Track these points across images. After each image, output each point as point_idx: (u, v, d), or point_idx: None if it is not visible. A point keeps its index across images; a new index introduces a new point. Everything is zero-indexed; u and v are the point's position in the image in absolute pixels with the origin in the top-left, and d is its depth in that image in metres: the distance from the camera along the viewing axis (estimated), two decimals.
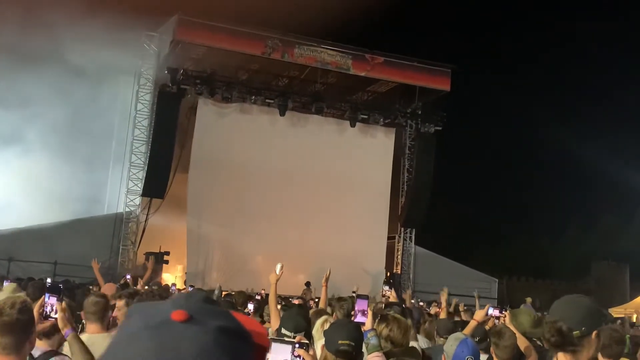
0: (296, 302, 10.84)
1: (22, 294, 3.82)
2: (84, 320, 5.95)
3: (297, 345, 2.35)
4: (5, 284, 7.97)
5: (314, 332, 5.02)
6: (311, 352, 2.39)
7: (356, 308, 3.77)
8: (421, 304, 17.00)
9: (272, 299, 5.86)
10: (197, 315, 0.92)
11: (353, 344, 3.27)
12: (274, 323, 5.10)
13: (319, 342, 4.48)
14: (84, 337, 3.81)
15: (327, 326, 4.97)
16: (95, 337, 3.90)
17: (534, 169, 35.53)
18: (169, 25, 20.67)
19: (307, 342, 2.43)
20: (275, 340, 2.33)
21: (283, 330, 3.97)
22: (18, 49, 20.34)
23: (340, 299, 5.70)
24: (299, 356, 2.34)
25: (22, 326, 2.78)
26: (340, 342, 3.23)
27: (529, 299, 20.81)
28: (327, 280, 6.89)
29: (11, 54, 20.29)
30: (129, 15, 20.72)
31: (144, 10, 20.76)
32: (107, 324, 4.39)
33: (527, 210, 35.98)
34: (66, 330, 3.35)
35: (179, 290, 10.83)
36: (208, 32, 20.43)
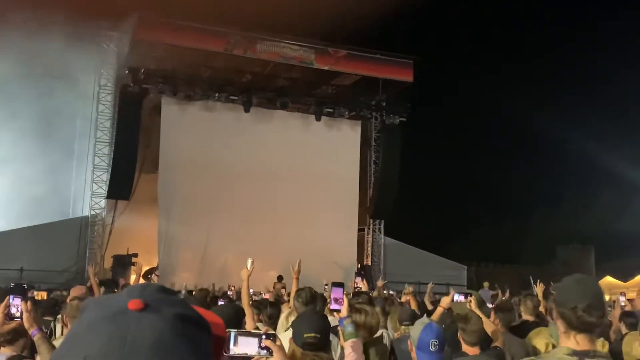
0: (266, 296, 10.87)
1: None
2: (53, 325, 5.90)
3: (264, 337, 2.36)
4: None
5: (279, 324, 5.05)
6: (278, 343, 2.41)
7: (331, 296, 3.78)
8: (392, 292, 17.17)
9: (244, 296, 5.85)
10: (153, 303, 0.93)
11: (319, 335, 3.29)
12: (248, 321, 5.08)
13: (285, 334, 4.50)
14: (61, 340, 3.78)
15: (291, 318, 5.01)
16: None
17: (498, 155, 35.99)
18: (129, 24, 20.39)
19: (274, 332, 2.43)
20: (241, 333, 2.33)
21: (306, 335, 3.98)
22: None
23: (298, 290, 5.68)
24: (266, 347, 2.35)
25: None
26: (306, 335, 3.26)
27: (486, 284, 21.16)
28: (298, 272, 6.81)
29: None
30: (87, 15, 20.43)
31: (102, 9, 20.51)
32: None
33: (493, 196, 36.46)
34: (32, 331, 3.32)
35: None
36: (168, 30, 20.22)
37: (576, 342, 2.39)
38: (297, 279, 6.69)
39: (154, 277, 19.81)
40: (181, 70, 21.38)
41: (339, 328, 3.55)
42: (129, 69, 20.30)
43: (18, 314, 3.24)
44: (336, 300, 3.63)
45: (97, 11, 20.08)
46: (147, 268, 20.23)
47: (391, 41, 26.01)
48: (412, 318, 5.86)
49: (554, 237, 35.24)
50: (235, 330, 2.33)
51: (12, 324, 3.26)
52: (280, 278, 19.41)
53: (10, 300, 3.25)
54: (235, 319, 4.11)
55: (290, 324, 4.97)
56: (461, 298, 5.25)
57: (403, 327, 5.49)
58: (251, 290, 15.30)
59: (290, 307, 5.97)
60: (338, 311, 3.60)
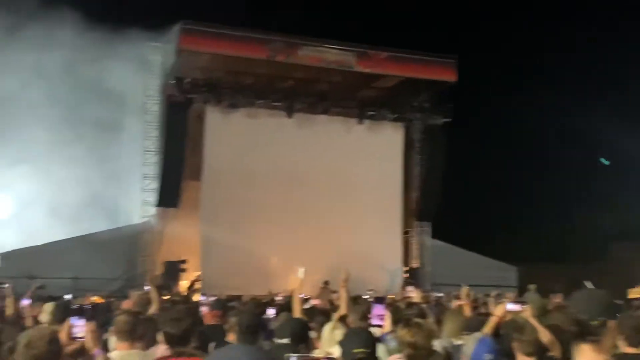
0: (314, 301, 10.89)
1: (49, 325, 3.86)
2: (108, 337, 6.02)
3: None
4: (24, 302, 8.02)
5: (323, 338, 5.06)
6: None
7: (373, 312, 3.79)
8: (440, 295, 17.01)
9: (296, 309, 5.80)
10: None
11: (368, 350, 3.31)
12: None
13: (331, 348, 4.51)
14: (113, 354, 3.88)
15: (336, 332, 5.02)
16: (124, 354, 3.95)
17: (546, 152, 35.23)
18: (173, 35, 20.74)
19: (333, 357, 2.46)
20: (302, 357, 2.36)
21: (275, 339, 4.01)
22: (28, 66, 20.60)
23: (355, 301, 5.66)
24: None
25: (51, 357, 2.85)
26: (355, 350, 3.27)
27: (532, 286, 20.73)
28: (346, 281, 6.68)
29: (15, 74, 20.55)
30: (132, 28, 20.92)
31: (146, 21, 20.96)
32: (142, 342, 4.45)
33: (543, 194, 35.73)
34: (95, 351, 3.42)
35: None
36: (211, 39, 20.47)
37: (585, 354, 2.39)
38: (346, 287, 6.55)
39: (196, 285, 20.10)
40: (225, 78, 21.64)
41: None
42: (174, 78, 20.66)
43: (81, 334, 3.35)
44: (378, 317, 3.64)
45: (141, 24, 20.57)
46: (189, 282, 20.60)
47: (433, 41, 25.77)
48: (474, 328, 5.81)
49: (607, 234, 34.32)
50: (297, 355, 2.36)
51: (76, 344, 3.36)
52: (326, 283, 19.45)
53: (74, 322, 3.35)
54: (301, 334, 4.15)
55: (335, 337, 4.99)
56: (515, 307, 5.18)
57: (463, 336, 5.46)
58: (300, 296, 15.42)
59: (337, 318, 5.93)
60: (380, 326, 3.61)
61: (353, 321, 5.10)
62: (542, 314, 5.97)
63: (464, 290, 6.94)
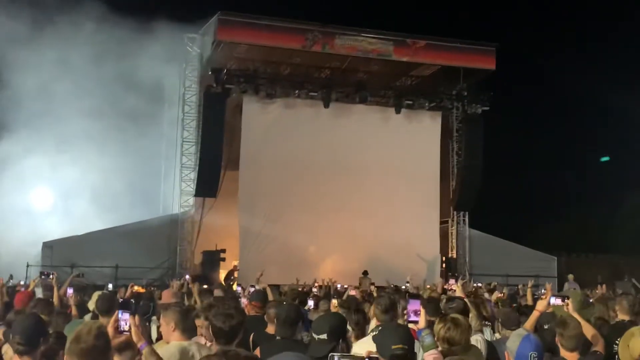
0: (352, 292, 10.89)
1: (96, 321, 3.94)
2: (150, 325, 6.13)
3: (367, 359, 2.39)
4: (69, 291, 8.19)
5: (369, 332, 5.05)
6: None
7: (409, 308, 3.78)
8: (479, 285, 16.87)
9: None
10: None
11: (406, 346, 3.29)
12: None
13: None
14: (172, 345, 3.95)
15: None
16: (184, 345, 4.01)
17: (585, 140, 34.55)
18: (210, 26, 20.88)
19: (376, 356, 2.45)
20: (344, 357, 2.37)
21: (312, 334, 4.01)
22: (63, 60, 20.93)
23: (378, 294, 5.61)
24: None
25: (100, 351, 2.92)
26: (393, 346, 3.26)
27: (570, 276, 20.39)
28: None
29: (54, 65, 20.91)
30: (170, 19, 21.11)
31: (184, 12, 21.12)
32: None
33: (583, 182, 35.08)
34: (141, 344, 3.48)
35: (242, 289, 10.94)
36: (248, 29, 20.55)
37: None
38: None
39: (235, 274, 20.28)
40: (262, 69, 21.71)
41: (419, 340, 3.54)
42: (212, 69, 20.80)
43: (127, 328, 3.41)
44: (414, 313, 3.63)
45: (179, 15, 20.73)
46: (226, 272, 20.80)
47: (472, 28, 25.45)
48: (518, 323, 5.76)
49: None
50: (339, 354, 2.36)
51: (122, 338, 3.43)
52: (365, 273, 19.45)
53: (119, 315, 3.42)
54: (340, 330, 4.15)
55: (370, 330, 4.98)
56: (558, 301, 5.11)
57: (508, 331, 5.43)
58: (338, 285, 15.52)
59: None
60: (415, 322, 3.59)
61: (377, 315, 5.07)
62: (583, 307, 5.90)
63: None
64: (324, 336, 3.86)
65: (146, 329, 3.71)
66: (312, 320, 4.90)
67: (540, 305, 5.17)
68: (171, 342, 4.26)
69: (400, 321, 5.21)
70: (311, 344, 3.94)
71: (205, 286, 13.48)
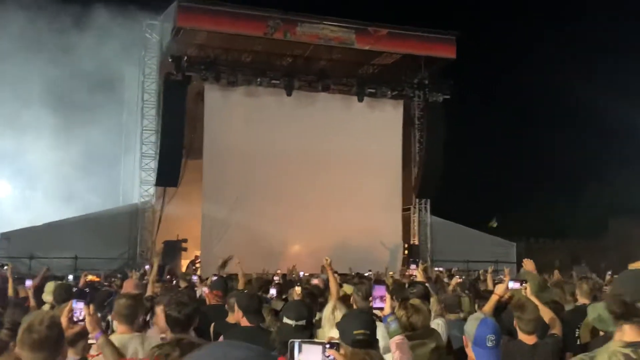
0: (315, 282, 10.89)
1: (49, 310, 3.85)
2: (111, 320, 6.02)
3: (327, 346, 2.37)
4: (28, 282, 8.04)
5: (324, 319, 5.05)
6: (342, 352, 2.41)
7: (374, 294, 3.79)
8: (441, 270, 17.06)
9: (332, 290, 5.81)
10: None
11: (368, 332, 3.30)
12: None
13: (331, 331, 4.51)
14: (113, 337, 3.88)
15: (337, 314, 5.00)
16: (125, 338, 3.95)
17: (544, 128, 35.21)
18: (170, 12, 20.57)
19: (337, 342, 2.44)
20: (305, 342, 2.35)
21: (284, 320, 4.00)
22: (20, 41, 20.42)
23: (360, 280, 5.67)
24: (329, 356, 2.36)
25: (53, 342, 2.85)
26: (355, 332, 3.26)
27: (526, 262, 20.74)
28: (330, 267, 6.66)
29: (13, 49, 20.40)
30: (129, 6, 20.74)
31: None
32: (138, 325, 4.46)
33: (542, 170, 35.77)
34: (96, 334, 3.42)
35: (200, 279, 10.88)
36: (209, 16, 20.31)
37: (628, 334, 2.38)
38: (332, 271, 6.54)
39: (197, 264, 20.11)
40: (223, 56, 21.50)
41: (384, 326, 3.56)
42: (172, 57, 20.51)
43: (81, 318, 3.35)
44: (379, 299, 3.63)
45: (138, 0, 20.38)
46: (188, 261, 20.62)
47: (432, 17, 25.62)
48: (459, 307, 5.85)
49: (605, 210, 34.37)
50: (300, 340, 2.35)
51: (77, 328, 3.35)
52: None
53: (74, 304, 3.35)
54: (312, 317, 4.16)
55: (336, 318, 4.98)
56: (516, 285, 5.18)
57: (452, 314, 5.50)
58: (301, 274, 15.53)
59: (335, 298, 5.91)
60: (381, 309, 3.60)
61: (357, 301, 5.07)
62: (541, 290, 6.00)
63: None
64: (302, 322, 3.85)
65: (100, 319, 3.62)
66: (283, 307, 4.86)
67: (499, 289, 5.24)
68: (114, 335, 4.19)
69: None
70: (284, 329, 3.91)
71: (168, 276, 13.39)
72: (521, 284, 5.18)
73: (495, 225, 27.84)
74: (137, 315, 4.42)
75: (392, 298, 3.84)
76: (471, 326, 3.55)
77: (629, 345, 2.32)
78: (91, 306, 3.41)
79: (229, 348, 1.33)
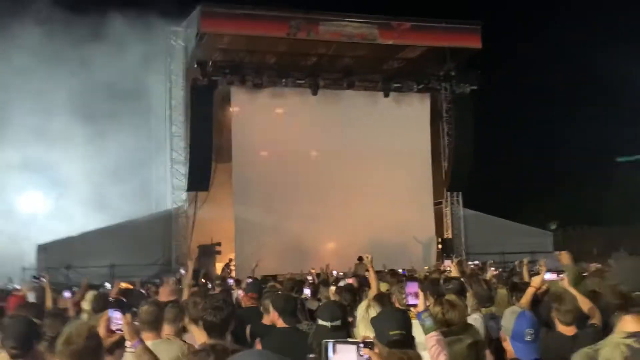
0: (350, 281, 10.87)
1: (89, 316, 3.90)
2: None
3: (362, 345, 2.36)
4: (66, 294, 8.16)
5: (358, 317, 5.02)
6: (376, 350, 2.40)
7: (407, 290, 3.75)
8: (476, 263, 16.91)
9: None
10: None
11: (404, 332, 3.27)
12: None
13: (366, 330, 4.48)
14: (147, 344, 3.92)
15: (371, 312, 4.97)
16: (151, 345, 4.00)
17: (576, 112, 34.54)
18: (193, 18, 20.72)
19: (371, 341, 2.43)
20: (338, 342, 2.34)
21: (319, 321, 4.00)
22: (43, 54, 20.75)
23: (397, 279, 5.58)
24: (364, 355, 2.35)
25: (91, 352, 2.89)
26: (391, 332, 3.23)
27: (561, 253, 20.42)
28: (371, 264, 6.65)
29: (38, 61, 20.74)
30: (153, 13, 20.95)
31: (167, 6, 20.96)
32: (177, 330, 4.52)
33: (574, 156, 35.16)
34: (134, 342, 3.45)
35: (236, 282, 10.94)
36: (231, 20, 20.39)
37: (629, 324, 2.34)
38: (372, 268, 6.53)
39: (232, 267, 20.21)
40: (247, 59, 21.60)
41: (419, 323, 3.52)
42: (198, 62, 20.66)
43: (119, 327, 3.38)
44: (413, 295, 3.60)
45: (161, 9, 20.56)
46: (223, 264, 20.73)
47: (456, 8, 25.37)
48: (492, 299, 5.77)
49: None
50: (333, 340, 2.34)
51: (115, 337, 3.39)
52: (360, 259, 19.37)
53: (110, 314, 3.38)
54: (347, 317, 4.16)
55: (370, 317, 4.95)
56: (553, 276, 5.10)
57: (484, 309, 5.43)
58: (334, 273, 15.53)
59: (371, 297, 5.88)
60: (415, 306, 3.57)
61: (399, 300, 5.01)
62: (579, 281, 5.89)
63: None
64: (337, 322, 3.85)
65: (137, 327, 3.66)
66: (318, 308, 4.86)
67: (535, 282, 5.16)
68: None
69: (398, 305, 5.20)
70: (319, 330, 3.91)
71: (203, 280, 13.49)
72: (558, 275, 5.11)
73: (554, 227, 27.42)
74: (161, 322, 4.48)
75: (425, 294, 3.80)
76: (509, 320, 3.49)
77: (631, 335, 2.29)
78: (128, 315, 3.44)
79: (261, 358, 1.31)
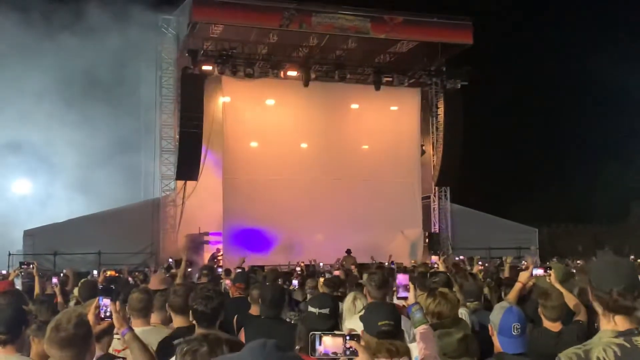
0: (336, 273, 10.94)
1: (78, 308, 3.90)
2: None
3: (348, 337, 2.38)
4: (54, 280, 8.16)
5: (344, 309, 5.05)
6: (362, 342, 2.42)
7: (398, 283, 3.78)
8: (461, 258, 17.03)
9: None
10: None
11: (393, 322, 3.30)
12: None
13: (351, 321, 4.51)
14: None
15: (358, 304, 4.99)
16: (140, 332, 4.01)
17: (563, 111, 34.76)
18: (185, 7, 20.59)
19: (357, 333, 2.45)
20: (325, 334, 2.36)
21: (310, 308, 4.02)
22: (34, 37, 20.62)
23: (370, 272, 5.55)
24: (350, 347, 2.37)
25: (80, 339, 2.89)
26: (379, 323, 3.26)
27: (533, 247, 20.75)
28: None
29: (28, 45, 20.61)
30: (144, 1, 20.83)
31: None
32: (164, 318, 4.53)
33: (562, 154, 35.41)
34: (123, 330, 3.46)
35: (226, 271, 10.96)
36: (224, 9, 20.25)
37: (616, 323, 2.37)
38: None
39: (219, 257, 20.18)
40: (239, 48, 21.49)
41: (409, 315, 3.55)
42: (189, 51, 20.55)
43: (108, 314, 3.39)
44: (403, 288, 3.63)
45: None
46: (210, 254, 20.69)
47: (447, 3, 25.38)
48: (479, 295, 5.80)
49: (627, 193, 33.93)
50: (320, 332, 2.36)
51: (104, 324, 3.40)
52: (348, 251, 19.42)
53: (100, 301, 3.39)
54: (337, 308, 4.18)
55: (357, 308, 4.98)
56: (540, 272, 5.15)
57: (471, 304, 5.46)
58: (321, 264, 15.57)
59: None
60: (405, 298, 3.60)
61: (370, 291, 5.01)
62: (567, 278, 5.96)
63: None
64: (326, 311, 3.87)
65: (126, 314, 3.67)
66: (309, 298, 4.88)
67: (522, 277, 5.21)
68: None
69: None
70: (309, 317, 3.94)
71: (189, 270, 13.48)
72: (545, 271, 5.16)
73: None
74: (151, 309, 4.49)
75: (415, 287, 3.83)
76: (496, 315, 3.54)
77: (620, 334, 2.31)
78: (117, 302, 3.45)
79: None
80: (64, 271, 10.53)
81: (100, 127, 21.22)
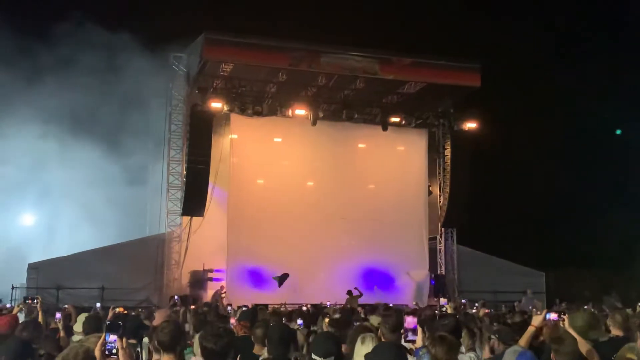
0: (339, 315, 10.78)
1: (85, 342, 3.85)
2: (140, 351, 6.01)
3: None
4: (58, 315, 8.08)
5: (355, 351, 4.95)
6: None
7: (405, 325, 3.72)
8: (463, 301, 16.88)
9: None
10: None
11: None
12: None
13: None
14: None
15: (367, 343, 4.91)
16: None
17: (571, 155, 34.75)
18: (196, 45, 20.85)
19: None
20: None
21: (313, 356, 3.95)
22: (42, 73, 20.87)
23: (385, 312, 5.48)
24: None
25: None
26: None
27: (529, 290, 20.59)
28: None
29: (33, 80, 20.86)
30: (156, 39, 21.12)
31: (171, 32, 21.15)
32: None
33: (570, 197, 35.25)
34: None
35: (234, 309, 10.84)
36: (234, 48, 20.48)
37: None
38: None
39: (223, 296, 20.00)
40: (248, 87, 21.68)
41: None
42: (199, 88, 20.80)
43: (115, 351, 3.34)
44: (411, 331, 3.58)
45: (165, 35, 20.74)
46: (213, 292, 20.53)
47: (456, 46, 25.63)
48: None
49: (634, 239, 33.66)
50: None
51: None
52: (349, 293, 19.16)
53: (107, 338, 3.34)
54: (340, 351, 4.10)
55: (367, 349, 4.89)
56: (554, 317, 5.07)
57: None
58: (328, 303, 15.43)
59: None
60: (413, 342, 3.54)
61: (385, 333, 4.94)
62: (593, 325, 5.82)
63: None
64: (331, 358, 3.80)
65: (132, 351, 3.62)
66: (312, 340, 4.79)
67: (536, 321, 5.12)
68: None
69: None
70: None
71: (192, 307, 13.36)
72: (559, 316, 5.07)
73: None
74: (180, 342, 4.40)
75: (423, 330, 3.76)
76: (509, 359, 3.47)
77: None
78: (124, 339, 3.40)
79: None
80: (65, 306, 10.45)
81: (108, 161, 21.30)
